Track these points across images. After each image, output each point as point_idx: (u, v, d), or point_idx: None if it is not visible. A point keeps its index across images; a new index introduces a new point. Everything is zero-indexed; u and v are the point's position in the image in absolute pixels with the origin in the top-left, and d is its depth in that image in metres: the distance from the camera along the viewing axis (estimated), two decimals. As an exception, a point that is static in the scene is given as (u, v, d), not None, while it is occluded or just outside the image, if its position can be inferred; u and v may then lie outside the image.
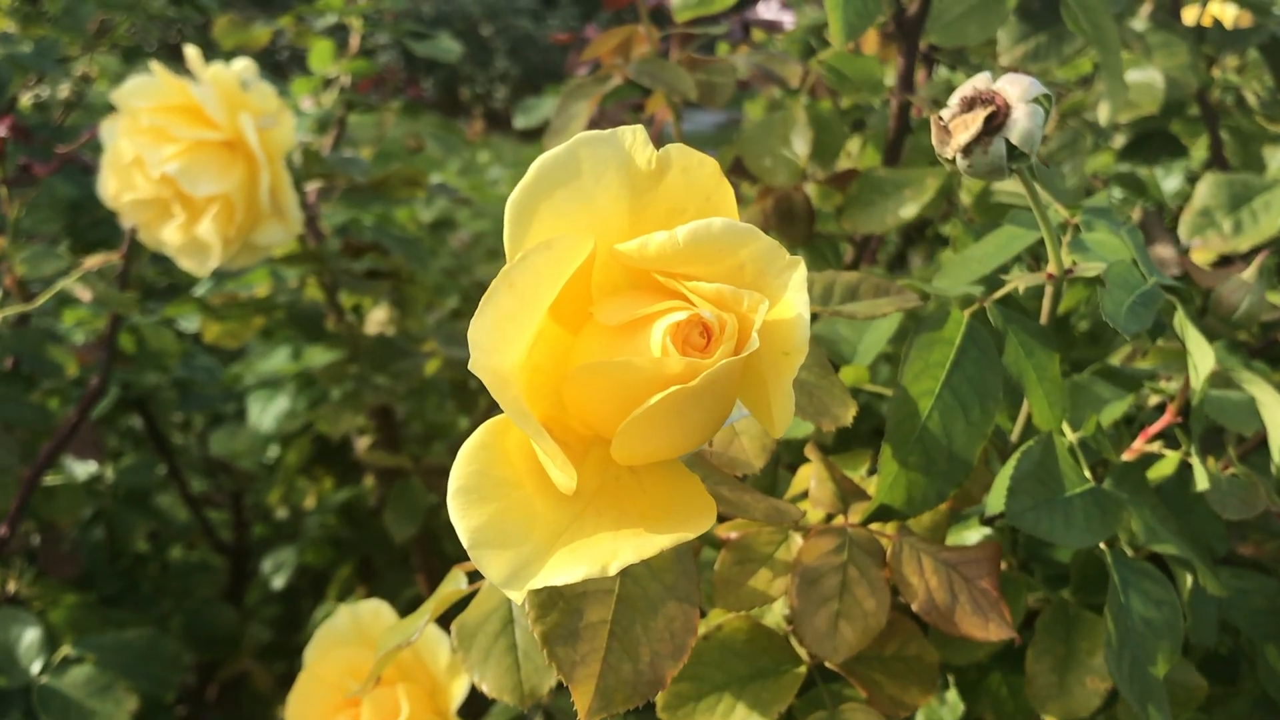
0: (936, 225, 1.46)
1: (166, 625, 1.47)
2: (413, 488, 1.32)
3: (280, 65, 6.69)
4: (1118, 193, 1.31)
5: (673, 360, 0.40)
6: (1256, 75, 1.35)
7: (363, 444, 1.51)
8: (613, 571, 0.38)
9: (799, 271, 0.40)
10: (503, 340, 0.39)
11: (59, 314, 1.51)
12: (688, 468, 0.46)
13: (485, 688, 0.54)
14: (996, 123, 0.54)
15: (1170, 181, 1.41)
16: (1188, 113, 1.25)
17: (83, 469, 1.38)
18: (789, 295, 0.40)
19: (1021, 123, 0.54)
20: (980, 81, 0.55)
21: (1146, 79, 1.16)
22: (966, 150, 0.54)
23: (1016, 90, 0.54)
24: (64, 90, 1.71)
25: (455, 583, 0.58)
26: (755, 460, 0.55)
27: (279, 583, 1.58)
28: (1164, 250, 0.92)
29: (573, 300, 0.43)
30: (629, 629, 0.47)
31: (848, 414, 0.56)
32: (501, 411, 0.40)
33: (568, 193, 0.42)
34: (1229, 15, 1.32)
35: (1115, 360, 0.98)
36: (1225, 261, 1.03)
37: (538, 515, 0.41)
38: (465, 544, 0.40)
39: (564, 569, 0.39)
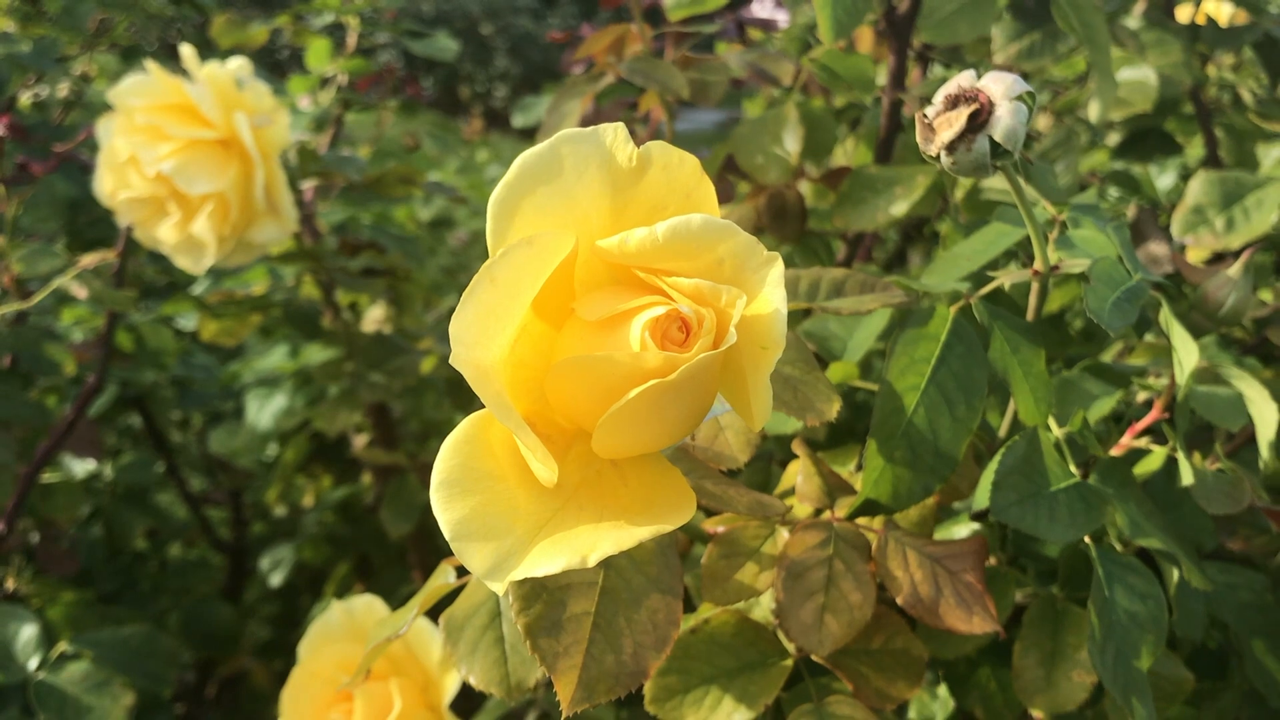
0: (934, 224, 1.46)
1: (165, 623, 1.48)
2: (409, 485, 1.32)
3: (280, 64, 6.70)
4: (1113, 191, 1.32)
5: (651, 354, 0.40)
6: (1252, 73, 1.36)
7: (360, 441, 1.52)
8: (592, 562, 0.39)
9: (776, 267, 0.41)
10: (483, 335, 0.40)
11: (57, 312, 1.52)
12: (671, 462, 0.46)
13: (473, 680, 0.55)
14: (980, 120, 0.54)
15: (1165, 179, 1.42)
16: (1182, 110, 1.26)
17: (81, 467, 1.39)
18: (766, 291, 0.41)
19: (1005, 120, 0.54)
20: (964, 80, 0.56)
21: (1140, 77, 1.16)
22: (950, 147, 0.55)
23: (1000, 88, 0.55)
24: (63, 89, 1.72)
25: (444, 576, 0.59)
26: (740, 454, 0.55)
27: (277, 580, 1.58)
28: (1157, 248, 0.92)
29: (556, 296, 0.44)
30: (612, 620, 0.47)
31: (831, 409, 0.57)
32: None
33: (550, 190, 0.42)
34: (1224, 13, 1.33)
35: (1107, 357, 0.98)
36: (1218, 259, 1.03)
37: (520, 508, 0.41)
38: (448, 536, 0.40)
39: (545, 560, 0.39)
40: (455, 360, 0.39)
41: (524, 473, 0.42)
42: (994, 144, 0.54)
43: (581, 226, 0.43)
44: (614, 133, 0.42)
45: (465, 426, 0.43)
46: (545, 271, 0.41)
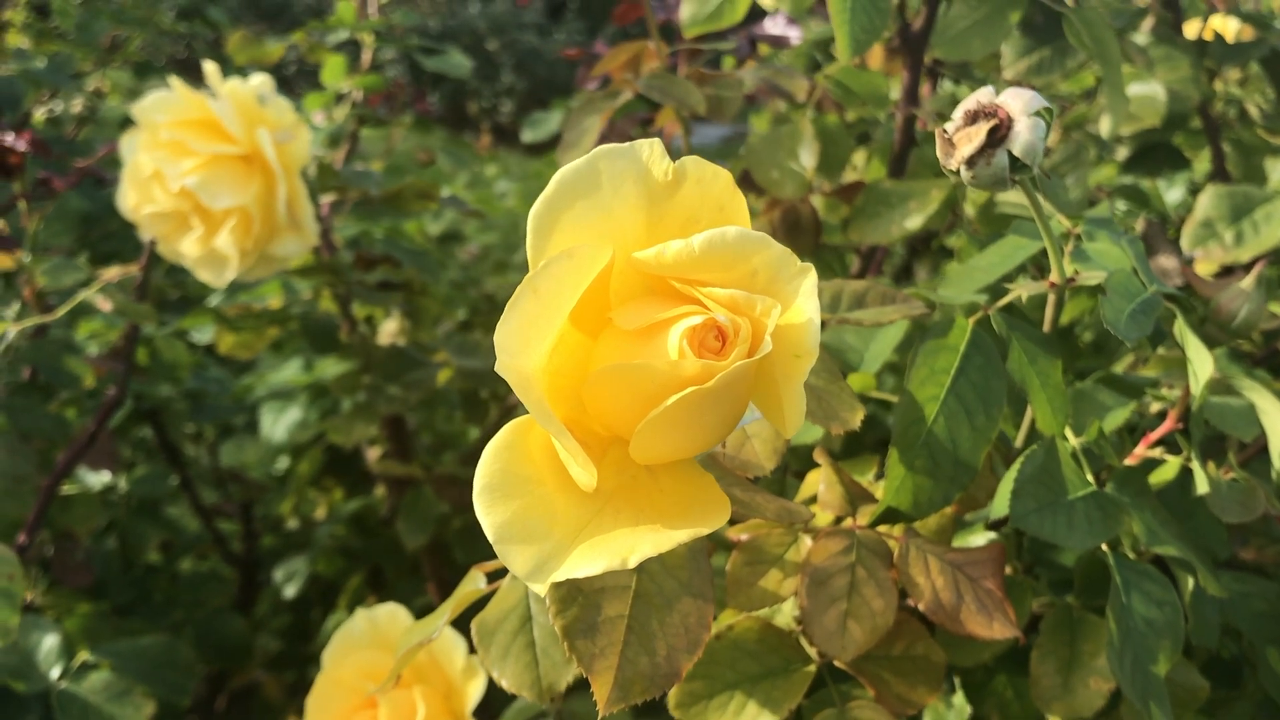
0: (941, 238, 1.48)
1: (178, 635, 1.48)
2: (424, 497, 1.33)
3: (288, 80, 6.72)
4: (1121, 205, 1.33)
5: (689, 362, 0.42)
6: (1259, 88, 1.37)
7: (374, 454, 1.53)
8: (631, 564, 0.40)
9: (810, 278, 0.42)
10: (526, 343, 0.41)
11: (74, 326, 1.52)
12: (703, 469, 0.47)
13: (505, 683, 0.56)
14: (999, 135, 0.56)
15: (1173, 193, 1.43)
16: (1190, 125, 1.27)
17: (97, 479, 1.40)
18: (800, 301, 0.42)
19: (1023, 135, 0.55)
20: (984, 95, 0.57)
21: (1149, 92, 1.18)
22: (970, 162, 0.56)
23: (1019, 104, 0.56)
24: (77, 105, 1.73)
25: (474, 583, 0.60)
26: (766, 462, 0.56)
27: (291, 592, 1.59)
28: (1167, 261, 0.93)
29: (593, 307, 0.45)
30: (645, 623, 0.48)
31: (855, 418, 0.58)
32: (524, 413, 0.42)
33: (588, 204, 0.44)
34: (1232, 29, 1.34)
35: (1119, 369, 0.99)
36: (1227, 272, 1.04)
37: (559, 512, 0.43)
38: (491, 538, 0.41)
39: (585, 562, 0.41)
40: (500, 368, 0.40)
41: (563, 477, 0.43)
42: (1013, 158, 0.56)
43: (618, 239, 0.44)
44: (650, 148, 0.44)
45: (505, 433, 0.44)
46: (584, 283, 0.43)
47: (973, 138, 0.56)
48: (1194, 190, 1.40)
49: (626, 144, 0.44)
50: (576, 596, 0.48)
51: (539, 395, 0.41)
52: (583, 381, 0.45)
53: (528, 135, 1.79)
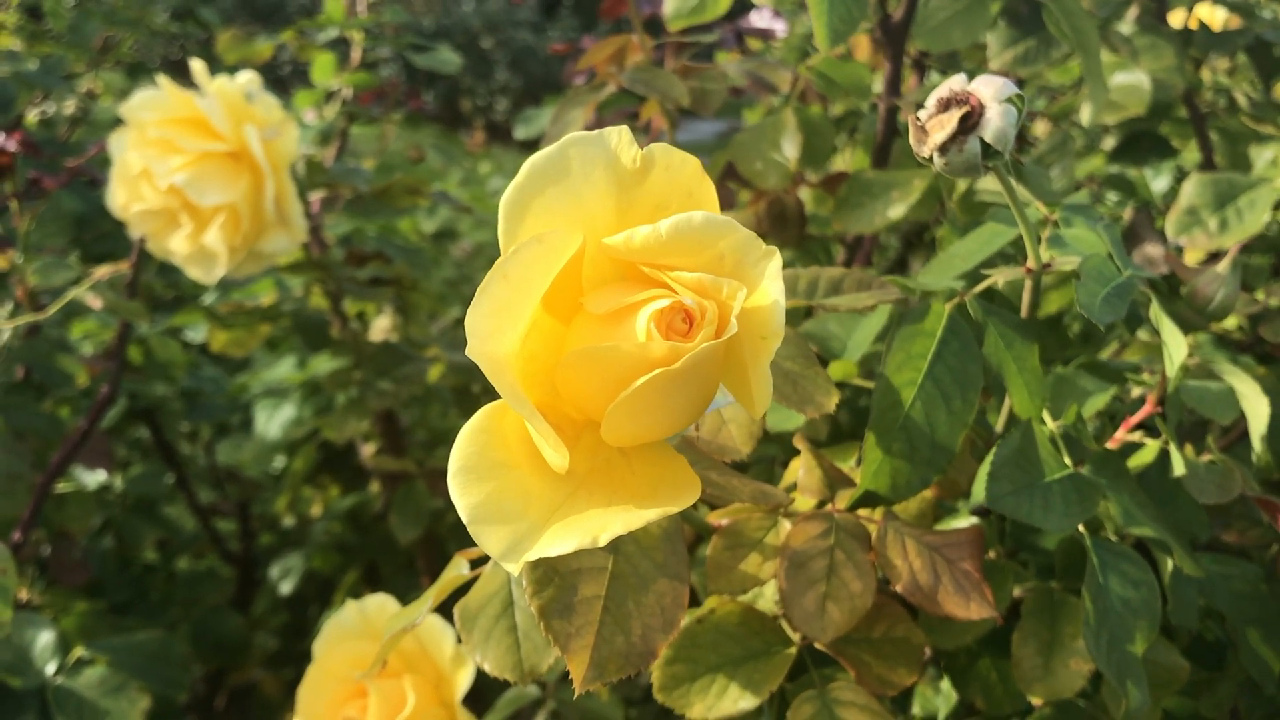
0: (933, 230, 1.48)
1: (175, 633, 1.49)
2: (417, 491, 1.34)
3: (282, 80, 6.73)
4: (1111, 195, 1.33)
5: (657, 344, 0.43)
6: (1246, 77, 1.37)
7: (368, 450, 1.53)
8: (603, 542, 0.41)
9: (775, 261, 0.43)
10: (497, 328, 0.42)
11: (67, 326, 1.53)
12: (677, 451, 0.48)
13: (487, 666, 0.56)
14: (971, 122, 0.56)
15: (1160, 182, 1.44)
16: (1176, 114, 1.28)
17: (92, 478, 1.40)
18: (765, 283, 0.43)
19: (995, 122, 0.56)
20: (956, 83, 0.58)
21: (1133, 81, 1.18)
22: (943, 149, 0.57)
23: (990, 91, 0.56)
24: (69, 106, 1.74)
25: (457, 569, 0.61)
26: (742, 446, 0.57)
27: (287, 588, 1.59)
28: (1152, 249, 0.94)
29: (564, 292, 0.46)
30: (622, 604, 0.49)
31: (830, 401, 0.59)
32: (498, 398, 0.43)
33: (558, 190, 0.44)
34: (1218, 18, 1.34)
35: (1104, 356, 1.00)
36: (1213, 259, 1.05)
37: (533, 493, 0.44)
38: (465, 520, 0.42)
39: (558, 541, 0.41)
40: (471, 352, 0.41)
41: (536, 460, 0.44)
42: (985, 145, 0.56)
43: (588, 225, 0.45)
44: (619, 135, 0.45)
45: (480, 417, 0.45)
46: (555, 268, 0.43)
47: (945, 125, 0.56)
48: (1181, 179, 1.40)
49: (595, 131, 0.44)
50: (553, 578, 0.49)
51: (511, 379, 0.41)
52: (556, 365, 0.46)
53: (520, 132, 1.80)
